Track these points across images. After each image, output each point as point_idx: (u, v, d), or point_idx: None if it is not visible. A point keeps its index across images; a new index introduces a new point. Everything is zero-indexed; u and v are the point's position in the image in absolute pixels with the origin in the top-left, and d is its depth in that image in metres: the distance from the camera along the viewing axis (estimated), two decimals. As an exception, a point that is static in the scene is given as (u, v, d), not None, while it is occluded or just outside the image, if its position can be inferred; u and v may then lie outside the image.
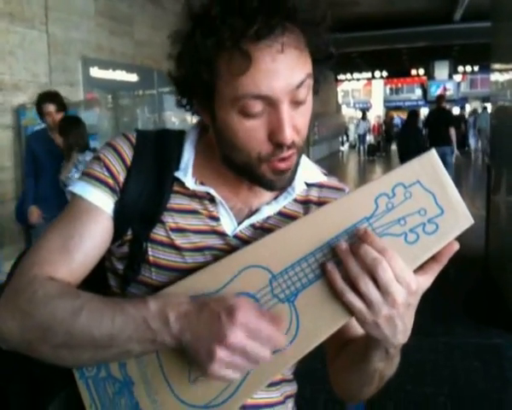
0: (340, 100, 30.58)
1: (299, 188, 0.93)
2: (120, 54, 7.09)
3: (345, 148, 26.39)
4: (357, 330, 0.92)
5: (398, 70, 23.99)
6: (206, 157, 0.92)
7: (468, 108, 27.76)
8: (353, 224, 0.77)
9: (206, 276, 0.80)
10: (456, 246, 0.76)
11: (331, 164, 17.46)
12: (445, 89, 19.35)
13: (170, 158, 0.90)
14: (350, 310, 0.75)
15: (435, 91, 19.58)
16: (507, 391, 3.45)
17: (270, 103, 0.77)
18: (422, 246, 0.76)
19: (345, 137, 27.32)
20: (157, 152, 0.91)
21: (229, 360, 0.71)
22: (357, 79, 25.09)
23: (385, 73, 23.53)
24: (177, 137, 0.94)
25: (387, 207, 0.77)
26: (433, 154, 0.78)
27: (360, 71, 23.08)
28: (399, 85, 39.69)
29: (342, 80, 23.76)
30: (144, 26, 7.54)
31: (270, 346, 0.73)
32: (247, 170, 0.84)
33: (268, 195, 0.93)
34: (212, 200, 0.89)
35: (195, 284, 0.80)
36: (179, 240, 0.87)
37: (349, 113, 36.00)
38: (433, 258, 0.76)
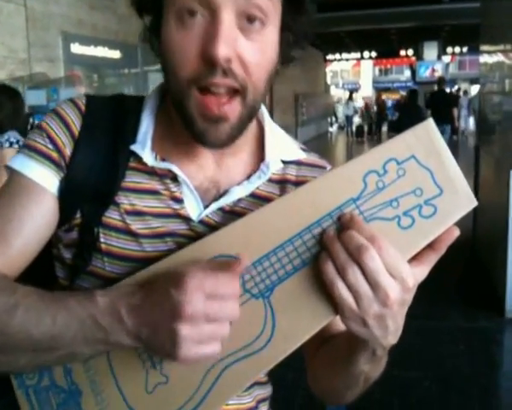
0: (328, 81, 30.40)
1: (274, 166, 0.82)
2: (102, 29, 6.89)
3: (333, 129, 26.24)
4: (340, 324, 0.82)
5: (387, 51, 23.91)
6: (167, 127, 0.80)
7: (458, 89, 27.74)
8: (338, 206, 0.67)
9: (167, 267, 0.69)
10: (457, 232, 0.66)
11: (319, 145, 17.34)
12: (433, 70, 19.28)
13: (125, 128, 0.78)
14: (334, 307, 0.65)
15: (424, 72, 19.54)
16: (493, 376, 3.43)
17: (210, 9, 0.66)
18: (418, 232, 0.66)
19: (333, 119, 27.16)
20: (110, 121, 0.79)
21: (195, 333, 0.61)
22: (346, 60, 24.94)
23: (374, 54, 23.42)
24: (135, 103, 0.82)
25: (378, 187, 0.66)
26: (429, 123, 0.67)
27: (349, 51, 22.94)
28: (388, 66, 39.57)
29: (331, 60, 23.59)
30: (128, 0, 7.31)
31: (233, 297, 0.64)
32: (180, 107, 0.72)
33: (239, 173, 0.82)
34: (174, 179, 0.77)
35: (155, 276, 0.69)
36: (136, 225, 0.76)
37: (338, 93, 35.83)
38: (430, 245, 0.66)
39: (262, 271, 0.68)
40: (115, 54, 7.26)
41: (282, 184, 0.83)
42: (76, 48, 6.34)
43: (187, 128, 0.73)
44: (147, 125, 0.79)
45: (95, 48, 6.76)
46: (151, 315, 0.63)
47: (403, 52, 22.10)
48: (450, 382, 3.26)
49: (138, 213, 0.76)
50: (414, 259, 0.66)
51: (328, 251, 0.64)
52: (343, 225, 0.66)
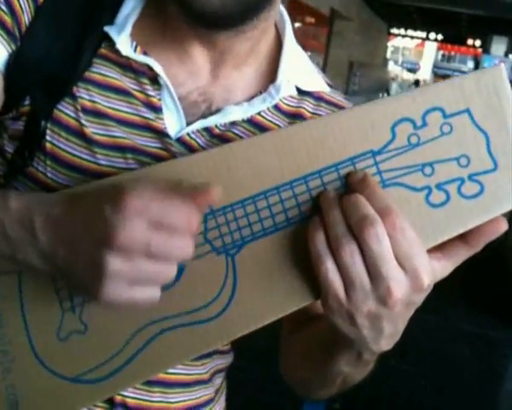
0: (388, 55, 29.43)
1: (286, 91, 0.64)
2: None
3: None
4: None
5: (454, 36, 22.89)
6: (157, 15, 0.62)
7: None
8: (349, 157, 0.50)
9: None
10: (504, 225, 0.48)
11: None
12: (498, 66, 18.46)
13: (103, 4, 0.61)
14: (317, 289, 0.49)
15: (488, 67, 18.70)
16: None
17: None
18: (452, 214, 0.48)
19: (385, 95, 26.40)
20: None
21: (128, 270, 0.44)
22: (411, 37, 24.02)
23: (440, 37, 22.49)
24: None
25: (410, 142, 0.49)
26: (500, 70, 0.49)
27: (415, 29, 22.04)
28: (452, 53, 38.20)
29: (395, 35, 22.75)
30: None
31: (187, 232, 0.45)
32: None
33: (239, 91, 0.64)
34: (154, 80, 0.60)
35: (92, 190, 0.53)
36: (92, 128, 0.59)
37: (395, 70, 34.71)
38: (462, 237, 0.49)
39: (232, 220, 0.51)
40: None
41: (294, 118, 0.65)
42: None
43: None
44: (132, 7, 0.61)
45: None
46: (72, 234, 0.46)
47: (470, 41, 21.20)
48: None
49: (98, 115, 0.59)
50: (437, 249, 0.49)
51: (322, 215, 0.47)
52: (350, 185, 0.49)
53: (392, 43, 30.43)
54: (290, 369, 0.73)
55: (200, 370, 0.69)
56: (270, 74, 0.66)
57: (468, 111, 0.48)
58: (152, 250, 0.43)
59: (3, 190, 0.52)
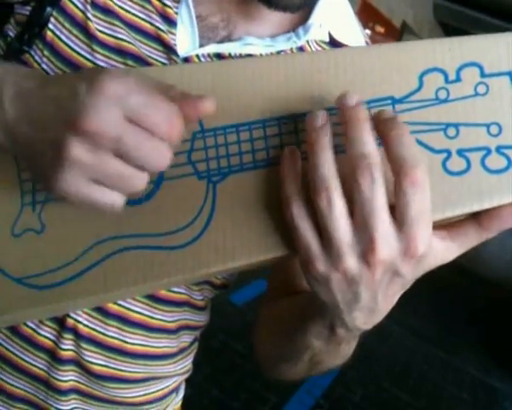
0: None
1: (315, 34, 0.58)
2: None
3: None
4: None
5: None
6: None
7: None
8: (365, 100, 0.43)
9: None
10: None
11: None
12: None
13: None
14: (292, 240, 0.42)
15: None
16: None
17: None
18: (469, 187, 0.41)
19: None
20: None
21: (90, 162, 0.37)
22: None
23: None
24: None
25: (437, 96, 0.42)
26: None
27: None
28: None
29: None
30: None
31: (166, 139, 0.39)
32: None
33: (264, 25, 0.59)
34: None
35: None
36: (98, 25, 0.54)
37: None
38: (475, 216, 0.42)
39: (222, 145, 0.45)
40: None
41: None
42: None
43: None
44: None
45: None
46: (40, 110, 0.40)
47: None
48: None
49: (107, 12, 0.54)
50: (442, 227, 0.42)
51: (307, 148, 0.40)
52: (374, 122, 0.41)
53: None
54: (260, 343, 0.67)
55: (166, 317, 0.63)
56: (305, 17, 0.60)
57: (510, 74, 0.42)
58: (122, 147, 0.37)
59: None
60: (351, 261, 0.38)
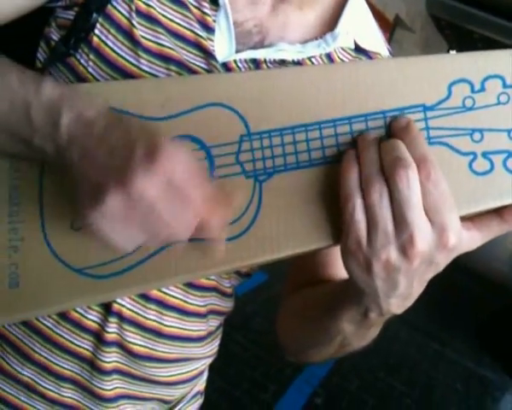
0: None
1: (343, 42, 0.63)
2: None
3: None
4: (339, 270, 0.65)
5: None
6: None
7: None
8: (400, 107, 0.48)
9: (151, 91, 0.51)
10: None
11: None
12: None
13: None
14: (337, 232, 0.48)
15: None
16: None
17: None
18: (493, 185, 0.46)
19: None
20: None
21: (121, 213, 0.42)
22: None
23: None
24: None
25: (464, 105, 0.47)
26: None
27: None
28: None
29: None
30: None
31: (195, 214, 0.43)
32: None
33: (296, 32, 0.63)
34: (214, 0, 0.59)
35: (130, 93, 0.51)
36: (143, 32, 0.58)
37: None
38: (498, 211, 0.47)
39: (268, 147, 0.50)
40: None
41: None
42: None
43: None
44: None
45: None
46: (95, 148, 0.44)
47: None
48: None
49: (151, 20, 0.58)
50: (468, 220, 0.47)
51: (358, 155, 0.46)
52: (393, 131, 0.47)
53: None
54: (285, 331, 0.72)
55: (198, 301, 0.68)
56: (331, 23, 0.64)
57: None
58: (154, 213, 0.42)
59: (38, 75, 0.51)
60: (393, 252, 0.43)
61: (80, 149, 0.44)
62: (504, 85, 0.47)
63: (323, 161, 0.49)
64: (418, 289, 0.47)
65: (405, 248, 0.43)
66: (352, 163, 0.46)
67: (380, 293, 0.46)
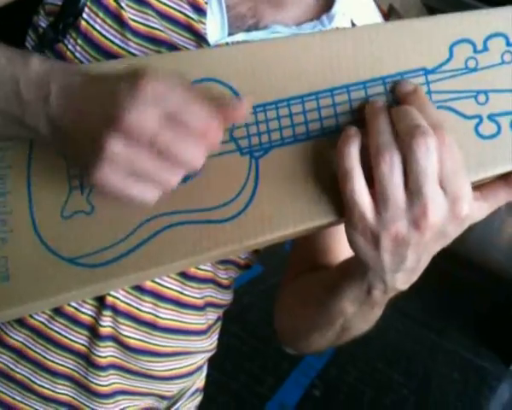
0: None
1: (339, 22, 0.61)
2: None
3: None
4: (339, 255, 0.63)
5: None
6: None
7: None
8: (399, 72, 0.46)
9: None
10: None
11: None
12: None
13: None
14: (340, 207, 0.45)
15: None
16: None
17: None
18: (500, 149, 0.44)
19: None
20: None
21: (127, 158, 0.39)
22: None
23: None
24: None
25: (467, 66, 0.45)
26: None
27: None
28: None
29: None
30: None
31: (202, 140, 0.41)
32: None
33: (290, 14, 0.61)
34: None
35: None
36: (132, 14, 0.56)
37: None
38: (505, 178, 0.45)
39: (263, 121, 0.47)
40: None
41: None
42: None
43: None
44: None
45: None
46: (84, 106, 0.42)
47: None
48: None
49: (140, 1, 0.56)
50: (475, 189, 0.45)
51: (366, 125, 0.43)
52: (399, 98, 0.44)
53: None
54: (286, 315, 0.69)
55: (195, 293, 0.65)
56: (327, 5, 0.62)
57: None
58: (158, 145, 0.39)
59: (26, 51, 0.49)
60: (403, 225, 0.41)
61: (72, 113, 0.43)
62: (508, 44, 0.45)
63: (321, 132, 0.46)
64: (424, 262, 0.45)
65: (417, 220, 0.40)
66: (352, 137, 0.43)
67: (385, 268, 0.44)
